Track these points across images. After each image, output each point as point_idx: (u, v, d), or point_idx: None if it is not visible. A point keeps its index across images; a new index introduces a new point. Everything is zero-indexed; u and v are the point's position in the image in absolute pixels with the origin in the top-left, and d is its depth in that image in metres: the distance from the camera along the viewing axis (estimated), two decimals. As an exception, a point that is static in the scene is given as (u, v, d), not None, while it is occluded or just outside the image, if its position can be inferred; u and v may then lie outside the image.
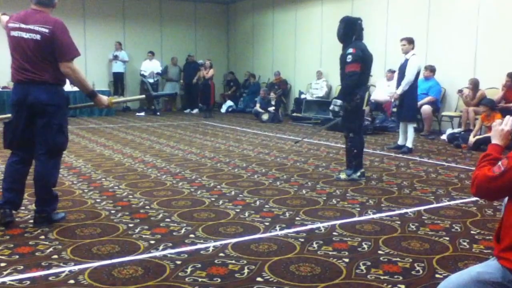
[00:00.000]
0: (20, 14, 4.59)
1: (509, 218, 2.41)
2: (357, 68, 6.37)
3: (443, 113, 12.07)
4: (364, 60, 6.46)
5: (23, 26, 4.46)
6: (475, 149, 9.22)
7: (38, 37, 4.41)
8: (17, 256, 3.84)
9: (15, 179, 4.66)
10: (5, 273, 3.52)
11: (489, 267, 2.46)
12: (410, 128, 9.14)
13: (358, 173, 6.66)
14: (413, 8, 12.93)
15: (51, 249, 4.00)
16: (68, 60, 4.50)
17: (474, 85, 10.81)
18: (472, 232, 4.53)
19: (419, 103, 11.44)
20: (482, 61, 11.35)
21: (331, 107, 6.60)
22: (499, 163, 2.41)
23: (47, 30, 4.41)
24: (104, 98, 4.88)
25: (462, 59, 11.73)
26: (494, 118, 8.81)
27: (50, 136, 4.52)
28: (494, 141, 2.66)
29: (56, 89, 4.58)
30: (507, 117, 2.69)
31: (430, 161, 8.29)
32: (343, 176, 6.70)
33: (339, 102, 6.44)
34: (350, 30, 6.54)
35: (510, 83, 10.06)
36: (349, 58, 6.35)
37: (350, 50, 6.37)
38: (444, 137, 10.80)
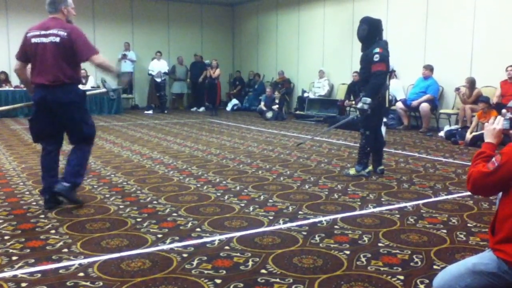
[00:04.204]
0: (39, 24, 5.02)
1: (503, 212, 2.48)
2: (383, 68, 6.42)
3: (441, 111, 12.23)
4: (388, 59, 6.54)
5: (43, 32, 4.89)
6: (471, 145, 9.34)
7: (57, 39, 4.84)
8: (29, 250, 3.89)
9: (50, 168, 5.15)
10: (16, 266, 3.56)
11: (485, 259, 2.53)
12: None
13: (367, 170, 6.74)
14: (412, 10, 13.07)
15: (61, 243, 4.05)
16: (95, 53, 4.93)
17: (471, 83, 10.99)
18: (468, 225, 4.59)
19: (418, 101, 11.71)
20: (478, 60, 11.50)
21: (359, 105, 6.54)
22: (493, 159, 2.49)
23: (65, 33, 4.84)
24: (125, 78, 5.28)
25: (459, 59, 11.88)
26: (490, 115, 8.92)
27: (76, 129, 5.06)
28: (487, 139, 2.75)
29: (72, 88, 5.00)
30: (499, 117, 2.79)
31: (428, 157, 8.36)
32: (352, 172, 6.76)
33: (368, 100, 6.37)
34: (374, 31, 6.58)
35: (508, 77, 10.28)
36: (376, 57, 6.37)
37: (377, 50, 6.39)
38: (442, 134, 10.92)
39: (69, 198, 5.07)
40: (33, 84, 5.05)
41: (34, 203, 5.21)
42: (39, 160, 7.56)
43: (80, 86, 5.46)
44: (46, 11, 5.05)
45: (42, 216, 4.80)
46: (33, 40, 4.91)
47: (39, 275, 3.43)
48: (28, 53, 4.99)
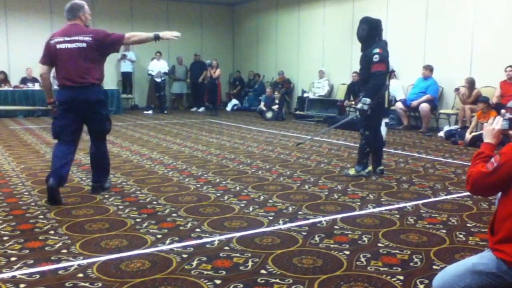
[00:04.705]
0: (61, 30, 5.46)
1: (502, 211, 2.49)
2: (383, 68, 6.41)
3: (441, 111, 12.25)
4: (387, 59, 6.54)
5: (67, 38, 5.34)
6: (471, 145, 9.36)
7: (84, 45, 5.32)
8: (27, 251, 3.87)
9: (62, 155, 5.37)
10: (15, 267, 3.54)
11: (484, 259, 2.54)
12: None
13: (367, 170, 6.74)
14: (412, 10, 13.10)
15: (60, 243, 4.03)
16: (123, 36, 5.49)
17: (470, 84, 11.01)
18: (468, 225, 4.59)
19: (417, 101, 11.75)
20: (477, 61, 11.52)
21: (359, 106, 6.54)
22: (492, 159, 2.50)
23: (90, 39, 5.34)
24: (166, 32, 5.68)
25: (458, 59, 11.90)
26: (489, 115, 8.92)
27: (100, 124, 5.57)
28: (486, 140, 2.76)
29: (98, 88, 5.48)
30: (498, 117, 2.79)
31: (428, 157, 8.37)
32: (352, 172, 6.76)
33: (368, 100, 6.37)
34: (374, 31, 6.57)
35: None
36: (375, 58, 6.36)
37: (377, 50, 6.38)
38: (441, 134, 10.95)
39: (106, 190, 5.76)
40: (59, 86, 5.48)
41: (33, 204, 5.21)
42: (38, 160, 7.62)
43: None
44: (65, 17, 5.51)
45: (41, 216, 4.79)
46: (59, 46, 5.33)
47: (38, 276, 3.42)
48: (53, 58, 5.40)
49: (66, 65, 5.34)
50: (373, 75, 6.42)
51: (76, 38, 5.33)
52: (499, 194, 2.57)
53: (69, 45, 5.32)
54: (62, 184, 5.33)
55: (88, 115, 5.49)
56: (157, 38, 5.58)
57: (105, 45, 5.44)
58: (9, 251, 3.88)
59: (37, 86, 15.47)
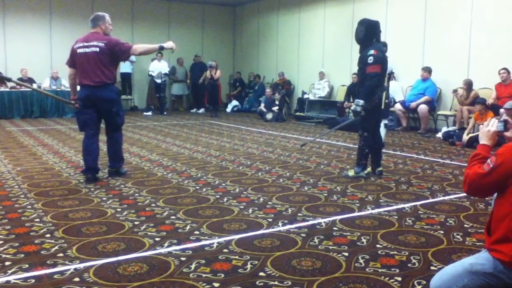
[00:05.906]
0: (83, 37, 6.41)
1: (499, 212, 2.49)
2: (378, 70, 6.42)
3: (439, 112, 12.28)
4: (383, 61, 6.54)
5: (85, 44, 6.29)
6: (468, 147, 9.40)
7: (97, 49, 6.24)
8: (22, 255, 3.81)
9: (90, 151, 6.40)
10: (9, 271, 3.49)
11: (481, 259, 2.54)
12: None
13: (366, 171, 6.74)
14: (411, 12, 13.13)
15: (56, 247, 3.99)
16: (131, 47, 6.38)
17: (468, 85, 11.05)
18: (465, 225, 4.60)
19: (416, 102, 11.78)
20: (475, 63, 11.54)
21: (352, 107, 6.58)
22: (488, 160, 2.51)
23: (103, 44, 6.26)
24: (169, 42, 6.69)
25: (456, 61, 11.92)
26: (487, 116, 8.93)
27: (112, 119, 6.50)
28: (482, 141, 2.77)
29: (111, 87, 6.39)
30: (493, 119, 2.80)
31: (426, 158, 8.38)
32: (351, 173, 6.77)
33: (361, 102, 6.39)
34: (371, 33, 6.58)
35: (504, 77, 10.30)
36: (370, 59, 6.38)
37: (372, 52, 6.40)
38: (439, 135, 11.00)
39: (121, 175, 6.68)
40: (79, 85, 6.39)
41: (29, 207, 5.18)
42: (35, 162, 7.61)
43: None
44: (89, 26, 6.47)
45: (37, 220, 4.75)
46: (79, 50, 6.28)
47: (33, 280, 3.38)
48: (75, 61, 6.34)
49: (84, 67, 6.25)
50: (367, 77, 6.44)
51: (92, 43, 6.25)
52: (496, 194, 2.58)
53: (87, 50, 6.25)
54: (97, 173, 6.49)
55: (103, 111, 6.39)
56: (161, 49, 6.54)
57: (115, 52, 6.32)
58: (4, 255, 3.82)
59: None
